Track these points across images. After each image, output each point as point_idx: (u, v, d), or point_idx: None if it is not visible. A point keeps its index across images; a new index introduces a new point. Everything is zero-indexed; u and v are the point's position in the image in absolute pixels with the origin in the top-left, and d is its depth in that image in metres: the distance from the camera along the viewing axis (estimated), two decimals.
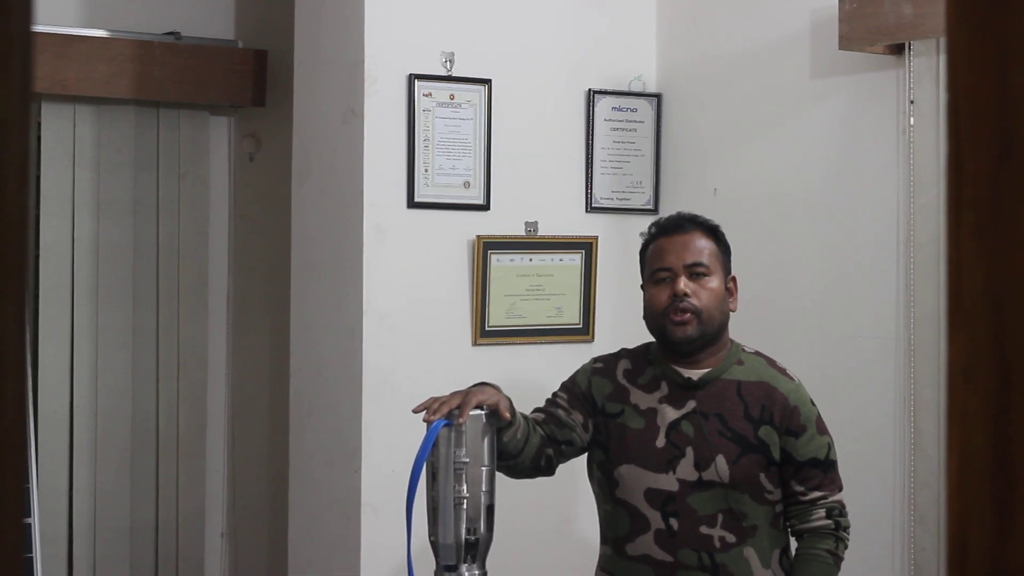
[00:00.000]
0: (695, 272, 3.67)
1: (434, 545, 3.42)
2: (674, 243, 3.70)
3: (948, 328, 0.98)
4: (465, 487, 3.39)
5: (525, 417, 3.63)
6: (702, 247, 3.70)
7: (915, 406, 4.47)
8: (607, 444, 3.72)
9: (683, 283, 3.65)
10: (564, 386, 3.83)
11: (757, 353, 3.78)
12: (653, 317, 3.71)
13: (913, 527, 4.47)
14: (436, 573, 3.44)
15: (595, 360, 3.87)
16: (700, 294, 3.65)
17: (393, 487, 4.40)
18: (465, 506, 3.39)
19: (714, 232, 3.76)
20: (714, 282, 3.68)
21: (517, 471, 3.66)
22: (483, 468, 3.43)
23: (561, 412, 3.74)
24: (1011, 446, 0.93)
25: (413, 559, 3.44)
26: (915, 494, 4.46)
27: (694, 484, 3.62)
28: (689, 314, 3.63)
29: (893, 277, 4.57)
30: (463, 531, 3.39)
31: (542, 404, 3.81)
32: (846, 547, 3.70)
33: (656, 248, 3.73)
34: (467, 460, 3.40)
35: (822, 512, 3.66)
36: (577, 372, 3.85)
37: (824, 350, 4.74)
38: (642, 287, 3.79)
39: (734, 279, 3.77)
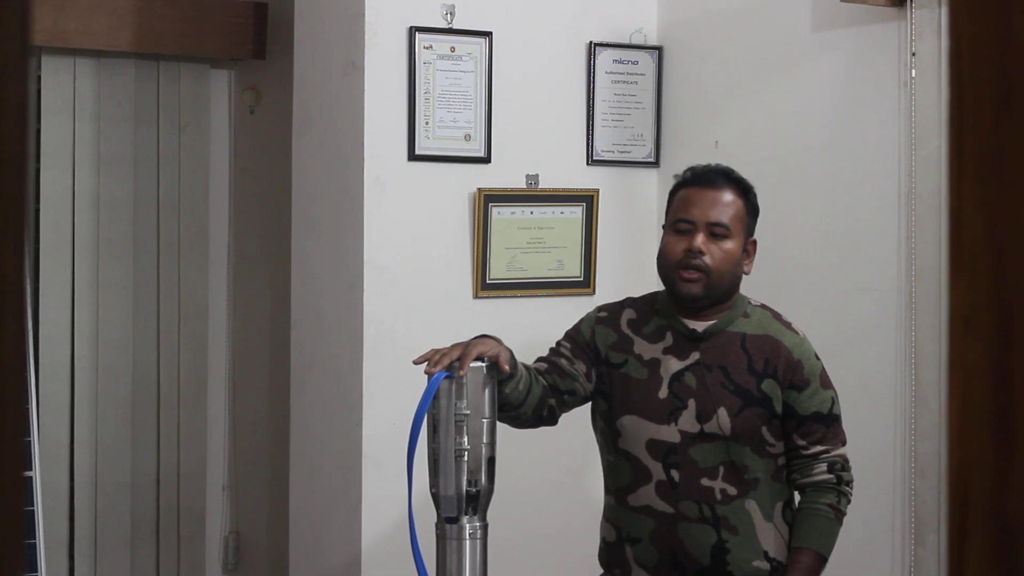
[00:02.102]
0: (715, 232, 3.64)
1: (435, 497, 3.43)
2: (703, 197, 3.67)
3: (949, 276, 0.98)
4: (466, 439, 3.40)
5: (527, 367, 3.63)
6: (728, 207, 3.66)
7: (916, 359, 4.47)
8: (610, 394, 3.72)
9: (700, 240, 3.62)
10: (568, 335, 3.83)
11: (763, 306, 3.77)
12: (665, 266, 3.69)
13: (914, 480, 4.47)
14: (437, 525, 3.44)
15: (599, 309, 3.86)
16: (714, 254, 3.63)
17: (394, 440, 4.41)
18: (466, 458, 3.39)
19: (746, 193, 3.72)
20: (731, 244, 3.65)
21: (520, 422, 3.66)
22: (484, 420, 3.43)
23: (564, 362, 3.74)
24: (1012, 393, 0.93)
25: (414, 511, 3.45)
26: (916, 447, 4.47)
27: (696, 436, 3.62)
28: (698, 272, 3.62)
29: (894, 229, 4.56)
30: (464, 483, 3.40)
31: (544, 355, 3.81)
32: (849, 501, 3.69)
33: (684, 197, 3.70)
34: (468, 412, 3.40)
35: (823, 466, 3.66)
36: (581, 321, 3.84)
37: (825, 303, 4.74)
38: (663, 227, 3.78)
39: (754, 242, 3.74)
